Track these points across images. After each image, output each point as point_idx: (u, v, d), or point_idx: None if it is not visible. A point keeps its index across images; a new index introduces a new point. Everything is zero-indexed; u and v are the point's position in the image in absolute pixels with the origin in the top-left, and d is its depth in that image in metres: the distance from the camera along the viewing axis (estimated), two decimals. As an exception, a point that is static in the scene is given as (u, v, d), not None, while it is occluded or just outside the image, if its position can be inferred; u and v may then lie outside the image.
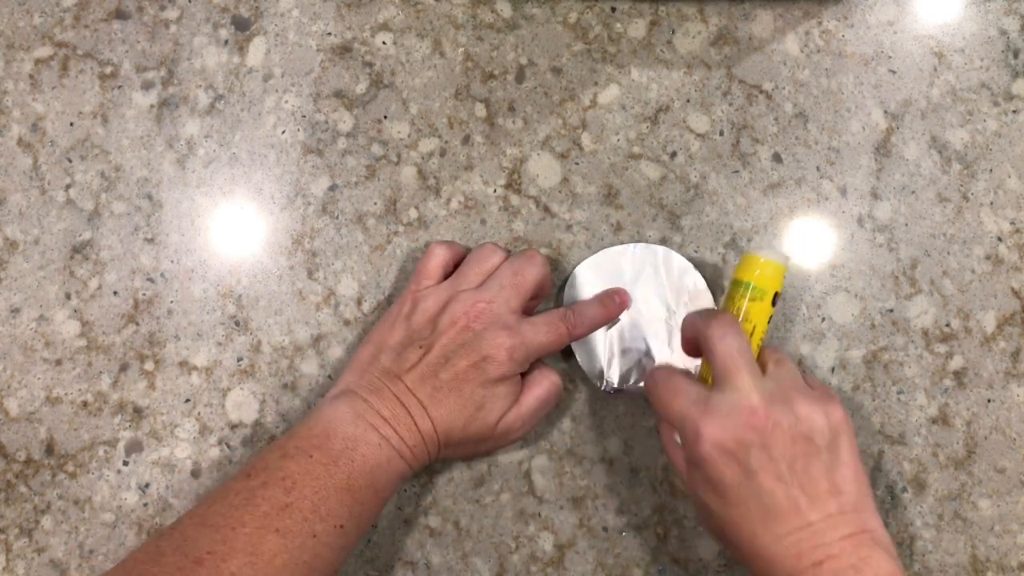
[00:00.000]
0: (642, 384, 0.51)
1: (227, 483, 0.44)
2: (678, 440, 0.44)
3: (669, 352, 0.51)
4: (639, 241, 0.54)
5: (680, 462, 0.45)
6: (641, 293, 0.52)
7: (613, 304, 0.51)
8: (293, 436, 0.45)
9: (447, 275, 0.50)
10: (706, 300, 0.52)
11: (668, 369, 0.47)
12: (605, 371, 0.51)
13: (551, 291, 0.52)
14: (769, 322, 0.47)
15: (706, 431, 0.41)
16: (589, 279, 0.52)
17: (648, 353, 0.51)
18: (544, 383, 0.49)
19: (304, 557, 0.42)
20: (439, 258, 0.50)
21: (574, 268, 0.52)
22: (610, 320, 0.51)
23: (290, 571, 0.41)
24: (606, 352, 0.51)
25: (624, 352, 0.51)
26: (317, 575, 0.42)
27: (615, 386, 0.51)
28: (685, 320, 0.47)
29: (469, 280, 0.49)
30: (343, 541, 0.43)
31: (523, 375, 0.49)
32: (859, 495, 0.42)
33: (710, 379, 0.45)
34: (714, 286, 0.53)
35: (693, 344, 0.46)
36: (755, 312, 0.46)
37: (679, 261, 0.52)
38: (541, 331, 0.48)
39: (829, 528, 0.40)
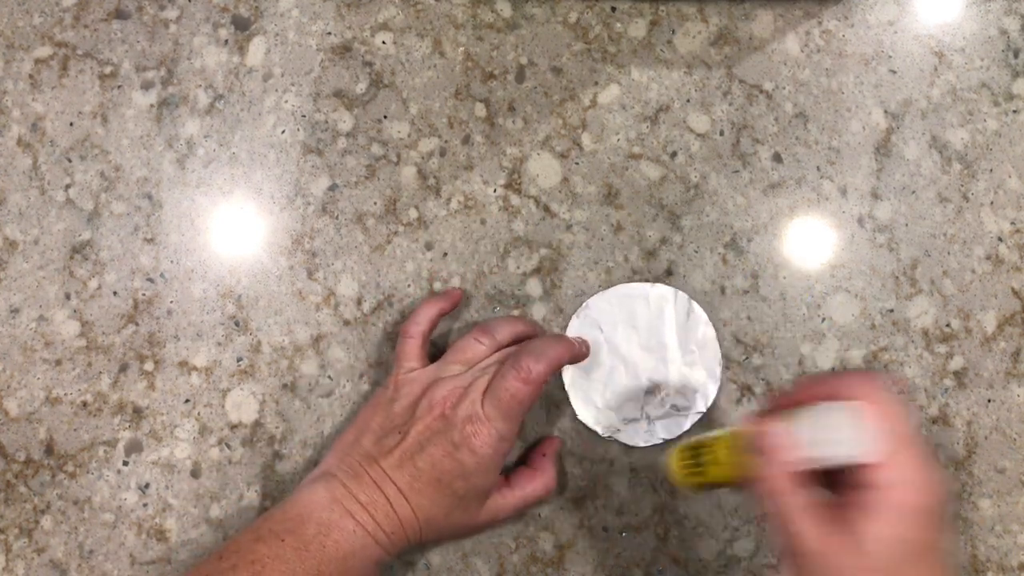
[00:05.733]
0: (637, 434, 0.51)
1: (199, 565, 0.44)
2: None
3: (669, 399, 0.51)
4: (639, 241, 0.54)
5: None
6: (649, 336, 0.51)
7: (578, 346, 0.49)
8: (268, 519, 0.44)
9: (429, 340, 0.50)
10: (713, 351, 0.51)
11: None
12: (601, 416, 0.51)
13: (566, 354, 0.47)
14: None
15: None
16: (603, 313, 0.52)
17: (652, 401, 0.51)
18: (537, 482, 0.49)
19: None
20: (415, 340, 0.49)
21: (587, 299, 0.52)
22: (575, 360, 0.49)
23: None
24: (604, 395, 0.51)
25: (625, 397, 0.51)
26: None
27: (613, 434, 0.51)
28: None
29: (451, 369, 0.48)
30: None
31: (521, 463, 0.50)
32: None
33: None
34: (714, 294, 0.53)
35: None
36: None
37: (697, 311, 0.52)
38: (512, 413, 0.45)
39: None
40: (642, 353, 0.51)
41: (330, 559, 0.43)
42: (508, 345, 0.49)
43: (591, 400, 0.51)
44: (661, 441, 0.50)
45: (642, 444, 0.50)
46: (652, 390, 0.51)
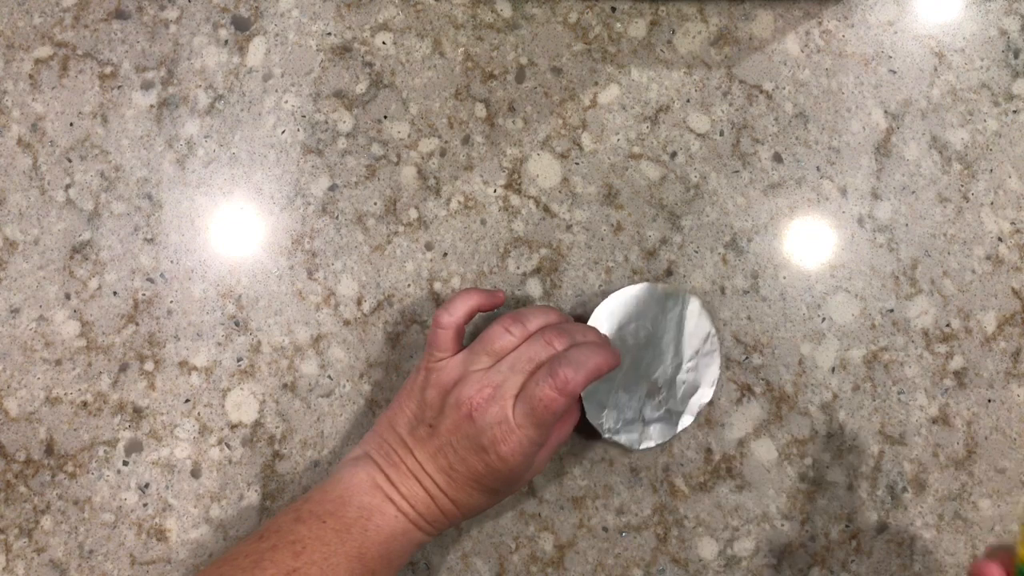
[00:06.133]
0: (633, 436, 0.50)
1: (239, 544, 0.44)
2: None
3: (665, 403, 0.51)
4: (639, 241, 0.54)
5: None
6: (657, 338, 0.51)
7: (617, 358, 0.46)
8: (308, 500, 0.45)
9: (467, 323, 0.49)
10: (715, 358, 0.51)
11: None
12: (607, 416, 0.50)
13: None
14: None
15: None
16: (617, 313, 0.51)
17: (649, 403, 0.51)
18: (567, 425, 0.49)
19: None
20: (447, 331, 0.47)
21: (596, 307, 0.51)
22: (612, 370, 0.46)
23: None
24: (611, 395, 0.51)
25: (627, 398, 0.51)
26: None
27: (614, 435, 0.50)
28: None
29: (479, 360, 0.46)
30: None
31: None
32: None
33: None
34: (714, 294, 0.53)
35: None
36: None
37: (705, 317, 0.51)
38: (544, 422, 0.44)
39: None
40: (648, 355, 0.51)
41: (371, 542, 0.43)
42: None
43: (600, 400, 0.50)
44: (654, 445, 0.50)
45: (637, 448, 0.50)
46: (651, 392, 0.51)
